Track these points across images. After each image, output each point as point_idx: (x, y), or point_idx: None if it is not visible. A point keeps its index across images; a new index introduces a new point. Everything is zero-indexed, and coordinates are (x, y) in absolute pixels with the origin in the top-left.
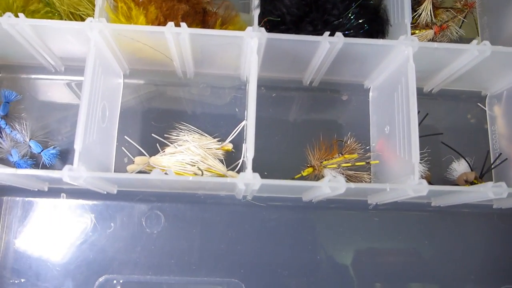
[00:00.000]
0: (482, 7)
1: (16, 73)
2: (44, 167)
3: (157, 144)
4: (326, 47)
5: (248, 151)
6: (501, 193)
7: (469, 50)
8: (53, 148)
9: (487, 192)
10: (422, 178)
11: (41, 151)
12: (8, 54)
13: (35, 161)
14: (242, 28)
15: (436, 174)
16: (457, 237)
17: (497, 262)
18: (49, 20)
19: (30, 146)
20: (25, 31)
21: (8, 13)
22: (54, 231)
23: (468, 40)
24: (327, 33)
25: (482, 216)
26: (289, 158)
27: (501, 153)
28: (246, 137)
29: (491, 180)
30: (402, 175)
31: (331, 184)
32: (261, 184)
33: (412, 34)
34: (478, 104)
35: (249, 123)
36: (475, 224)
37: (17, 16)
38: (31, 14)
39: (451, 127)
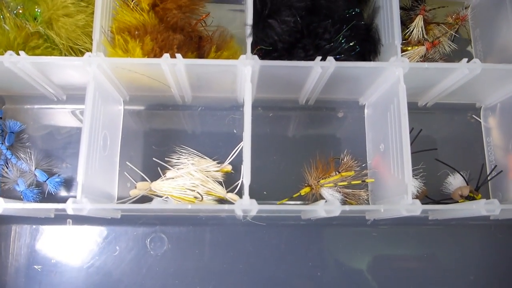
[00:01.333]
0: (474, 19)
1: (20, 103)
2: (50, 194)
3: (158, 168)
4: (318, 72)
5: (245, 177)
6: (493, 209)
7: (459, 69)
8: (58, 176)
9: (480, 209)
10: (418, 193)
11: (47, 179)
12: (11, 87)
13: (40, 189)
14: (237, 52)
15: (433, 188)
16: (456, 249)
17: (496, 272)
18: (49, 57)
19: (35, 175)
20: (27, 68)
21: (10, 52)
22: (62, 256)
23: (461, 53)
24: (319, 58)
25: (480, 228)
26: (287, 176)
27: (496, 165)
28: (243, 163)
29: (488, 191)
30: (396, 194)
31: (326, 207)
32: (258, 209)
33: (404, 50)
34: (473, 116)
35: (245, 150)
36: (473, 236)
37: (18, 54)
38: (31, 50)
39: (447, 139)
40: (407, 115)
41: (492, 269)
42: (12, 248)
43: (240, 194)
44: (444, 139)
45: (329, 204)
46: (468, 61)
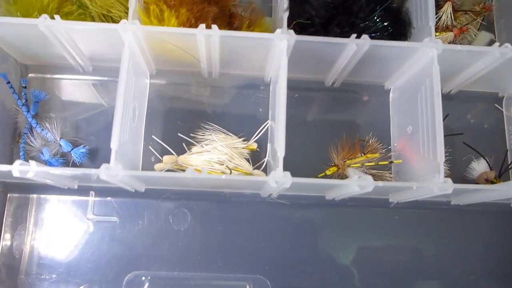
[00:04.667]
0: (500, 10)
1: (45, 73)
2: (74, 165)
3: (183, 144)
4: (352, 49)
5: (279, 150)
6: None
7: (491, 53)
8: (83, 147)
9: (510, 190)
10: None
11: (71, 149)
12: (38, 54)
13: (65, 159)
14: (267, 30)
15: (456, 174)
16: (476, 235)
17: None
18: (85, 22)
19: (60, 145)
20: (60, 33)
21: (44, 15)
22: (84, 228)
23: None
24: (354, 35)
25: (500, 214)
26: (312, 157)
27: None
28: (276, 137)
29: (509, 179)
30: (426, 174)
31: (360, 183)
32: (292, 183)
33: None
34: (496, 105)
35: (280, 124)
36: (493, 222)
37: (52, 18)
38: (65, 16)
39: (469, 127)
40: (440, 95)
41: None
42: (34, 218)
43: (265, 171)
44: (467, 127)
45: (363, 179)
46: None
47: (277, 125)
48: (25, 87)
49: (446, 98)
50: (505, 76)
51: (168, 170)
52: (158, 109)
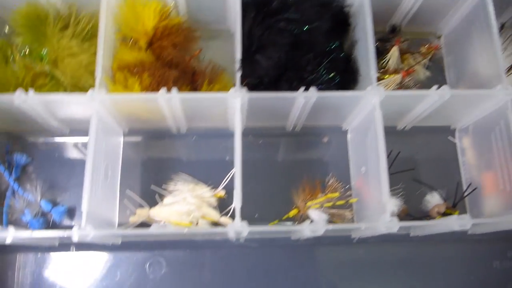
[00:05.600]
0: (447, 47)
1: (26, 138)
2: (55, 223)
3: (156, 195)
4: (301, 101)
5: (236, 201)
6: (465, 224)
7: (430, 95)
8: (62, 206)
9: (452, 224)
10: (399, 211)
11: (51, 209)
12: (18, 123)
13: (45, 219)
14: (228, 84)
15: (414, 206)
16: (437, 264)
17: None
18: (56, 95)
19: (40, 206)
20: (35, 105)
21: (19, 91)
22: (66, 282)
23: (437, 79)
24: (302, 89)
25: (459, 242)
26: (278, 199)
27: (471, 183)
28: (234, 188)
29: (465, 208)
30: (377, 213)
31: (311, 227)
32: (249, 231)
33: (382, 78)
34: (449, 137)
35: (236, 176)
36: (452, 250)
37: (26, 92)
38: (39, 88)
39: (425, 159)
40: (383, 140)
41: (474, 281)
42: (17, 277)
43: (233, 217)
44: (423, 160)
45: (314, 224)
46: (438, 88)
47: (235, 178)
48: (8, 152)
49: (402, 134)
50: (453, 112)
51: (142, 222)
52: (132, 163)
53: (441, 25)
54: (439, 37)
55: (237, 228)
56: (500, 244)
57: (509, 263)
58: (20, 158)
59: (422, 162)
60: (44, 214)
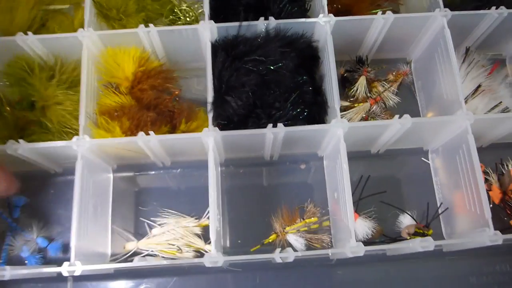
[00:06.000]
0: (416, 72)
1: (22, 179)
2: (51, 258)
3: (146, 225)
4: (271, 137)
5: (212, 234)
6: (428, 246)
7: (392, 125)
8: (57, 242)
9: (416, 246)
10: (374, 233)
11: (47, 245)
12: (15, 166)
13: (42, 254)
14: (205, 122)
15: (390, 227)
16: (414, 282)
17: None
18: (42, 143)
19: (37, 243)
20: (25, 152)
21: (11, 141)
22: None
23: (408, 104)
24: (270, 125)
25: (433, 260)
26: (259, 225)
27: (442, 203)
28: (209, 221)
29: (440, 227)
30: (345, 237)
31: (282, 255)
32: (224, 261)
33: (352, 107)
34: (422, 158)
35: (211, 210)
36: (429, 268)
37: (17, 141)
38: (29, 136)
39: (400, 181)
40: (347, 169)
41: None
42: None
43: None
44: (399, 181)
45: (284, 251)
46: (400, 117)
47: (209, 211)
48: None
49: (376, 157)
50: (422, 135)
51: (135, 252)
52: (123, 197)
53: (409, 52)
54: (408, 63)
55: (213, 258)
56: (476, 260)
57: (485, 278)
58: (18, 200)
59: (398, 183)
60: (41, 250)
